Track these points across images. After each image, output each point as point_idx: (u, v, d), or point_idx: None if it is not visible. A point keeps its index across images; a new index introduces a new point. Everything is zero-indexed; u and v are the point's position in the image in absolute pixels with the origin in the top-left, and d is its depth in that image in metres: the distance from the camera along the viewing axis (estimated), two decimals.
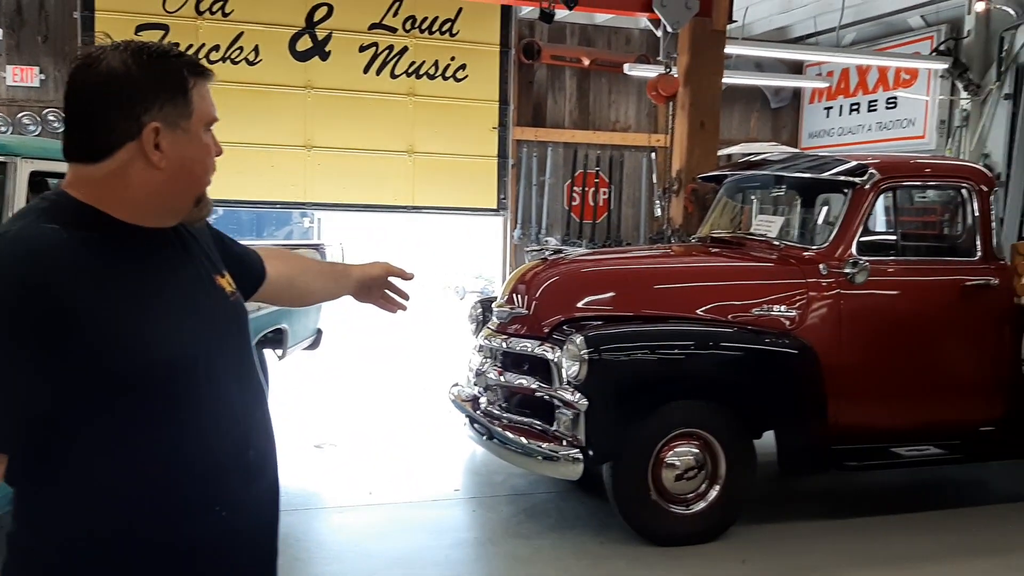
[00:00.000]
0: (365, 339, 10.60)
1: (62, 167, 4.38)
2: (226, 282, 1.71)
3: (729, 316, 4.87)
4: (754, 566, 4.40)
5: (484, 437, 5.00)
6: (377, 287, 2.21)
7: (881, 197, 5.17)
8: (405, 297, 2.24)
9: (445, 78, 10.30)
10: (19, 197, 3.87)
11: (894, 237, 5.28)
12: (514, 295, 5.16)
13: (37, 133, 9.20)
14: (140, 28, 9.21)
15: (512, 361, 5.04)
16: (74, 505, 1.48)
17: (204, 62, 1.62)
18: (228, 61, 9.52)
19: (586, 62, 11.01)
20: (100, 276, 1.45)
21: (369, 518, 4.95)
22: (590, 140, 11.16)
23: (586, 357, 4.42)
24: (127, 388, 1.46)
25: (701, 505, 4.64)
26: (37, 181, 4.09)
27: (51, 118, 9.37)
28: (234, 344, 1.67)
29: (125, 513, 1.49)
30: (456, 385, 5.67)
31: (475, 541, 4.79)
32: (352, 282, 2.18)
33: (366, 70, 10.02)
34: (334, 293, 2.23)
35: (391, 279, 2.21)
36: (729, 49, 8.13)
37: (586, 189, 11.16)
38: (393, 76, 10.11)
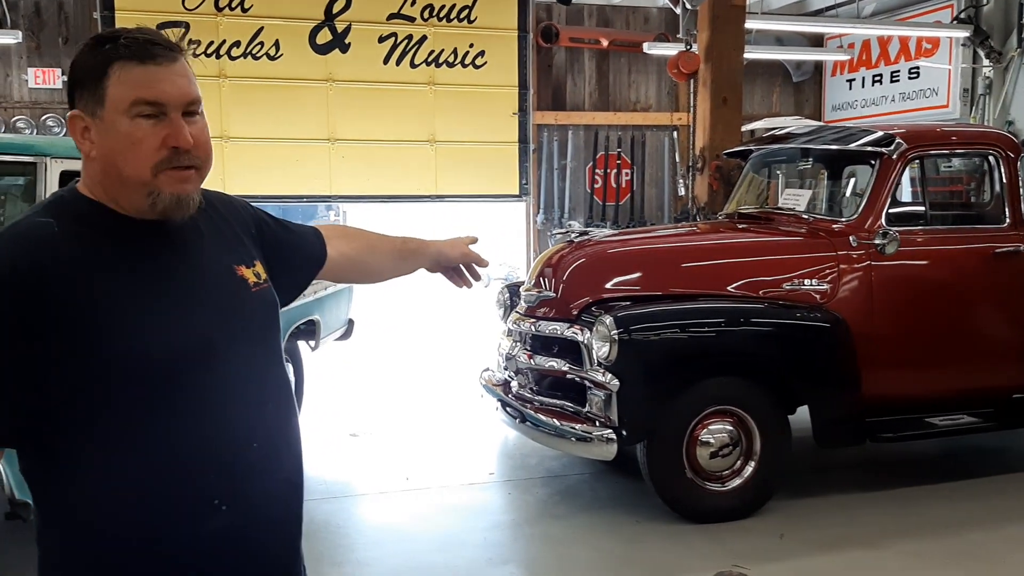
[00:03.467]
0: (395, 328, 10.66)
1: None
2: (251, 273, 1.67)
3: (760, 292, 4.86)
4: (792, 540, 4.41)
5: (517, 420, 5.03)
6: (451, 264, 2.21)
7: (908, 167, 5.13)
8: (477, 278, 2.24)
9: (464, 65, 10.30)
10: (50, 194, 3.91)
11: (922, 207, 5.24)
12: (541, 279, 5.17)
13: (63, 135, 9.30)
14: (160, 26, 9.26)
15: (541, 344, 5.06)
16: (79, 500, 1.48)
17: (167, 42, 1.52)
18: (249, 57, 9.57)
19: (605, 43, 10.96)
20: (91, 268, 1.45)
21: (407, 503, 5.00)
22: (611, 121, 11.12)
23: (616, 338, 4.42)
24: (122, 380, 1.45)
25: (737, 481, 4.64)
26: (67, 180, 4.14)
27: None
28: (248, 336, 1.62)
29: (126, 507, 1.48)
30: (487, 370, 5.70)
31: (512, 523, 4.82)
32: (427, 260, 2.17)
33: (386, 61, 10.05)
34: (404, 271, 2.19)
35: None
36: (749, 24, 8.08)
37: (608, 171, 11.13)
38: (413, 66, 10.13)
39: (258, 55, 9.60)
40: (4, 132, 9.14)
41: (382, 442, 6.20)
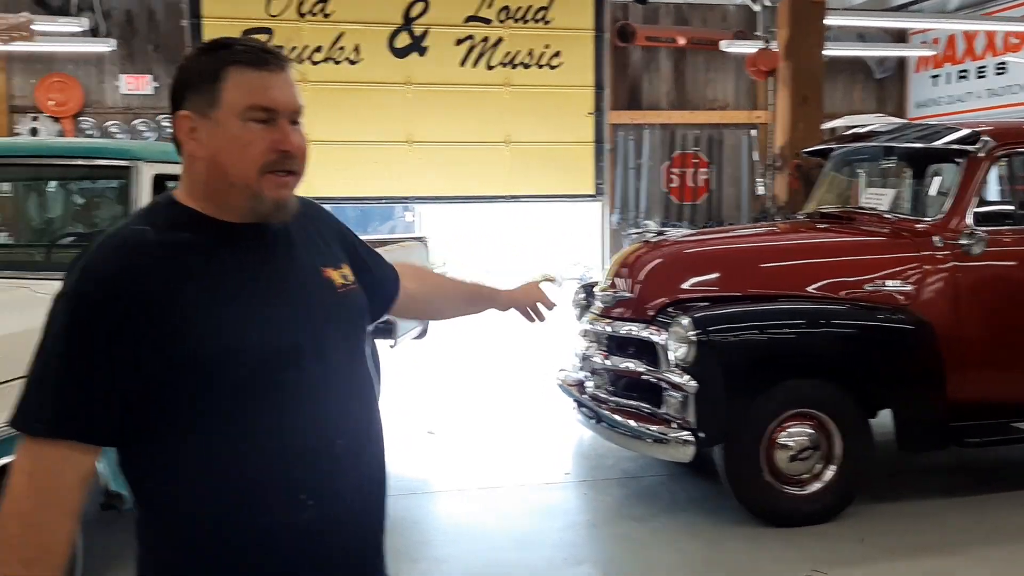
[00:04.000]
0: (471, 328, 10.73)
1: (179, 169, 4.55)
2: (338, 275, 1.70)
3: (841, 293, 4.78)
4: (873, 545, 4.33)
5: (592, 421, 5.04)
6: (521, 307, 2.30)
7: (995, 165, 4.99)
8: (542, 318, 2.34)
9: (540, 66, 10.34)
10: (143, 198, 4.04)
11: (1011, 206, 5.09)
12: (617, 279, 5.16)
13: (155, 139, 9.62)
14: (245, 33, 9.52)
15: (617, 345, 5.05)
16: (175, 494, 1.53)
17: (286, 54, 1.61)
18: (331, 61, 9.76)
19: (681, 41, 10.89)
20: (185, 272, 1.50)
21: (483, 501, 5.05)
22: (687, 120, 11.04)
23: (694, 339, 4.40)
24: (216, 379, 1.49)
25: (817, 486, 4.58)
26: (159, 183, 4.28)
27: (165, 124, 9.77)
28: (334, 336, 1.65)
29: (219, 500, 1.52)
30: (562, 370, 5.72)
31: (588, 523, 4.83)
32: (496, 304, 2.27)
33: (463, 63, 10.14)
34: (470, 312, 2.27)
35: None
36: (830, 20, 7.94)
37: (685, 170, 11.05)
38: (489, 67, 10.21)
39: (339, 60, 9.79)
40: (98, 137, 9.49)
41: (458, 440, 6.27)
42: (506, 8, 10.16)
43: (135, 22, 9.76)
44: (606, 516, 4.87)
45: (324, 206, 1.88)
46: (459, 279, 2.24)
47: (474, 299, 2.25)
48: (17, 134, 9.37)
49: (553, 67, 10.35)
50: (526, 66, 10.31)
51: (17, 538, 1.41)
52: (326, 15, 9.77)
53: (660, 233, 5.77)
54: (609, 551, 4.49)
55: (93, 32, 9.35)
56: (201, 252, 1.53)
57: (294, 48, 9.65)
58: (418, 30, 9.99)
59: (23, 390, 1.47)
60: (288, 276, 1.62)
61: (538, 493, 5.22)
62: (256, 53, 1.55)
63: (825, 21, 7.69)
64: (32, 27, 6.90)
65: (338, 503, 1.61)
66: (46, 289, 3.54)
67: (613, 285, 5.19)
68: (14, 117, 9.55)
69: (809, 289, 4.79)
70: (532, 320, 2.30)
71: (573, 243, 14.65)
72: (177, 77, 1.59)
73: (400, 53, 9.97)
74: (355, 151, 9.74)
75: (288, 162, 1.56)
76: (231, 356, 1.49)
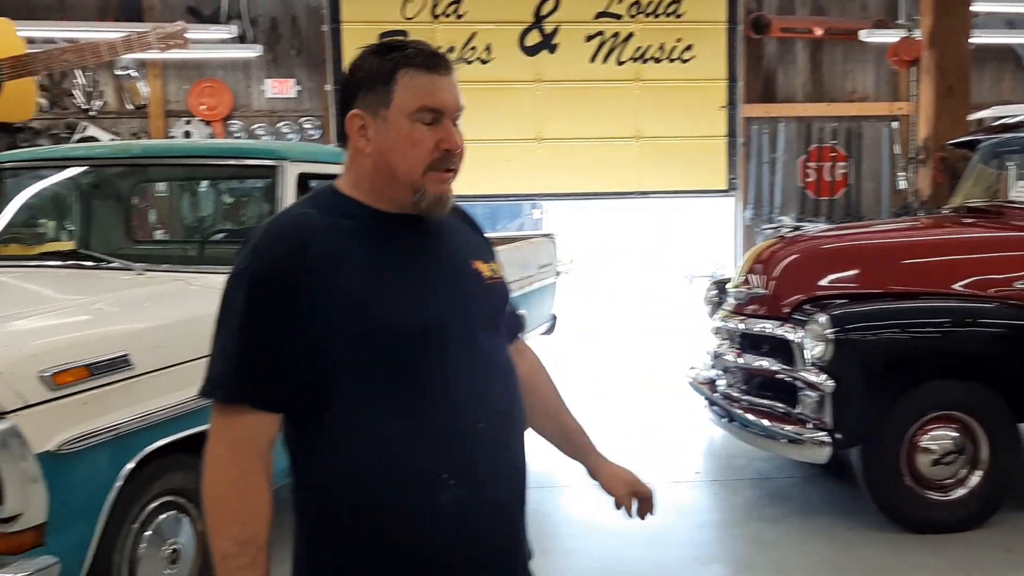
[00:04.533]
0: (598, 324, 10.75)
1: (324, 168, 4.76)
2: (487, 268, 1.78)
3: (989, 291, 4.57)
4: (1021, 556, 4.13)
5: (724, 419, 4.99)
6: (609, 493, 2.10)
7: None
8: (643, 515, 2.10)
9: (671, 60, 10.23)
10: (288, 196, 4.21)
11: None
12: (751, 275, 5.09)
13: (298, 140, 10.02)
14: (382, 36, 9.76)
15: (751, 342, 4.98)
16: (329, 468, 1.62)
17: (446, 56, 1.69)
18: (463, 62, 9.93)
19: (818, 32, 10.58)
20: (344, 253, 1.59)
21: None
22: (824, 113, 10.72)
23: (831, 337, 4.30)
24: (367, 356, 1.58)
25: (961, 492, 4.40)
26: (302, 182, 4.47)
27: (307, 126, 10.17)
28: (479, 322, 1.71)
29: (367, 475, 1.59)
30: (693, 368, 5.67)
31: (718, 523, 4.79)
32: (585, 462, 2.14)
33: (592, 59, 10.15)
34: (558, 448, 2.12)
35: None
36: (976, 6, 7.58)
37: (821, 164, 10.73)
38: (619, 63, 10.17)
39: (471, 60, 9.96)
40: (245, 139, 9.96)
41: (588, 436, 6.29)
42: (637, 3, 10.10)
43: (279, 28, 10.19)
44: (737, 516, 4.81)
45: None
46: (568, 409, 2.11)
47: (570, 441, 2.11)
48: (172, 137, 9.92)
49: (684, 61, 10.23)
50: (657, 60, 10.23)
51: (233, 503, 1.54)
52: (459, 16, 9.95)
53: (795, 228, 5.63)
54: (739, 551, 4.44)
55: (241, 39, 9.80)
56: (359, 237, 1.63)
57: None
58: (548, 28, 10.06)
59: (208, 363, 1.61)
60: (437, 262, 1.71)
61: (668, 491, 5.19)
62: (427, 56, 1.66)
63: (972, 7, 7.35)
64: (186, 35, 7.29)
65: (482, 486, 1.65)
66: (199, 282, 3.82)
67: (746, 281, 5.12)
68: (169, 121, 10.12)
69: (955, 287, 4.60)
70: (629, 516, 2.08)
71: (704, 240, 14.45)
72: (349, 77, 1.69)
73: (531, 51, 10.06)
74: (485, 150, 9.85)
75: (450, 160, 1.67)
76: (379, 333, 1.57)
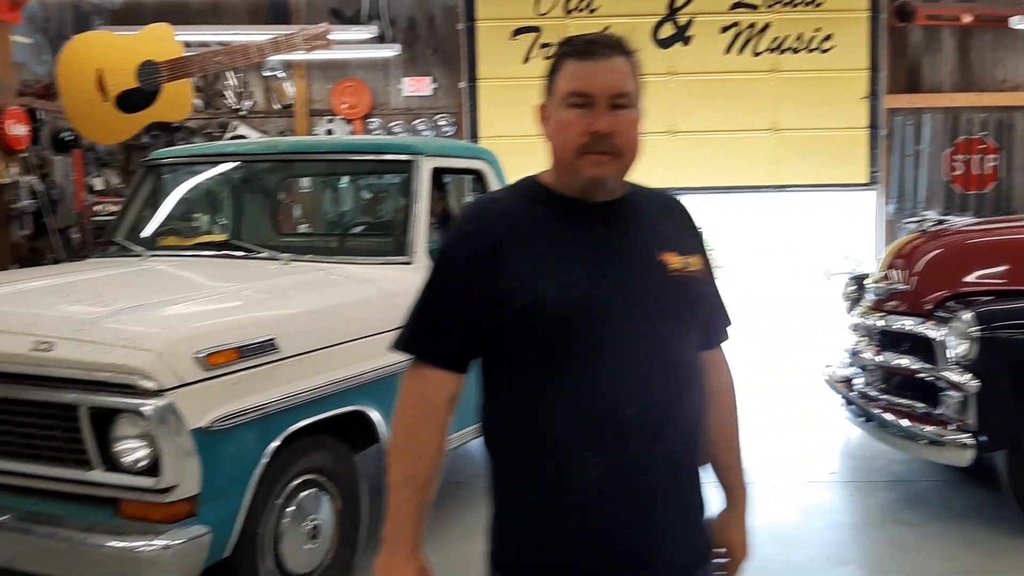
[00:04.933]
0: (734, 321, 10.56)
1: (457, 163, 4.91)
2: (679, 260, 1.76)
3: None
4: None
5: (861, 419, 4.85)
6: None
7: None
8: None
9: (810, 51, 9.96)
10: (423, 190, 4.34)
11: None
12: (891, 270, 4.93)
13: (432, 136, 10.27)
14: (516, 32, 9.94)
15: (890, 340, 4.83)
16: (500, 437, 1.77)
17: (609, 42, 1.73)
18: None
19: (967, 19, 10.07)
20: (523, 233, 1.72)
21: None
22: (973, 103, 10.20)
23: (976, 335, 4.13)
24: (528, 329, 1.68)
25: None
26: (437, 176, 4.60)
27: (441, 122, 10.40)
28: (652, 311, 1.71)
29: (523, 446, 1.72)
30: (829, 365, 5.54)
31: (853, 524, 4.68)
32: (720, 515, 2.03)
33: (727, 51, 9.98)
34: (717, 473, 2.04)
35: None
36: None
37: (970, 157, 10.23)
38: (755, 54, 9.97)
39: None
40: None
41: None
42: None
43: (417, 28, 10.44)
44: (873, 518, 4.69)
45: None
46: (737, 447, 2.05)
47: (727, 466, 2.04)
48: (315, 135, 10.33)
49: (824, 51, 9.94)
50: (795, 51, 9.97)
51: (405, 443, 1.74)
52: (592, 10, 9.95)
53: (940, 223, 5.41)
54: (875, 554, 4.32)
55: (380, 39, 10.11)
56: (537, 219, 1.74)
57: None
58: (682, 20, 9.95)
59: (404, 322, 1.81)
60: (613, 249, 1.74)
61: (802, 491, 5.10)
62: (584, 44, 1.72)
63: None
64: (329, 36, 7.58)
65: (626, 472, 1.68)
66: (340, 272, 3.99)
67: (886, 277, 4.97)
68: (312, 120, 10.54)
69: None
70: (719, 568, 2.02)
71: (843, 235, 14.00)
72: (545, 73, 1.83)
73: (664, 44, 9.98)
74: None
75: (601, 143, 1.69)
76: (532, 308, 1.66)
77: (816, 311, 10.26)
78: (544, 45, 9.92)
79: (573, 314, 1.67)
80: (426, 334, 1.76)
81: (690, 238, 1.86)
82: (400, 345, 1.79)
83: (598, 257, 1.72)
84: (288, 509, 3.34)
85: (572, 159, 1.70)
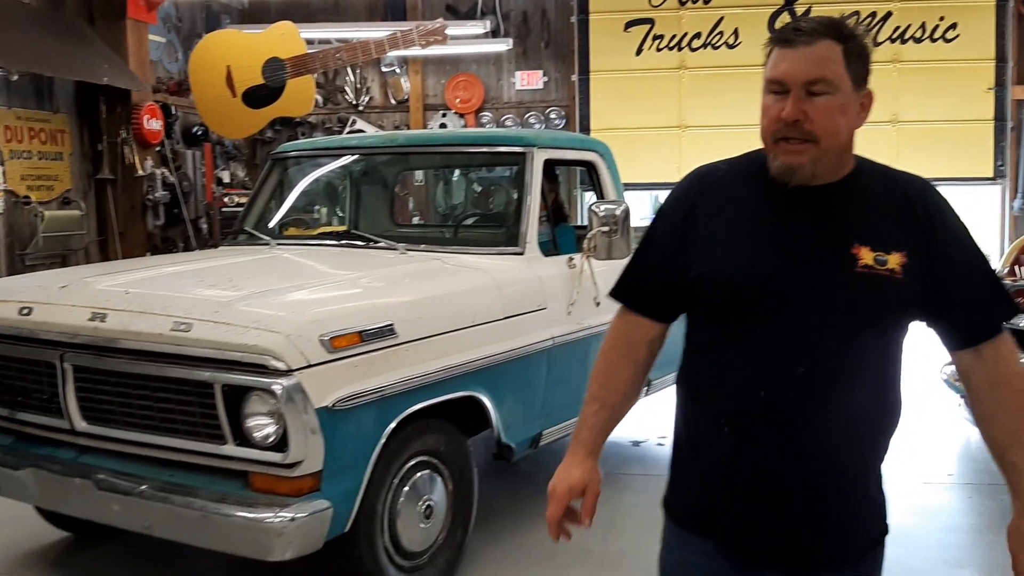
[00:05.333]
0: None
1: (568, 155, 4.94)
2: (871, 256, 1.69)
3: None
4: None
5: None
6: None
7: None
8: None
9: (933, 40, 9.63)
10: (536, 182, 4.41)
11: None
12: (1017, 266, 4.78)
13: (543, 128, 10.35)
14: (629, 24, 9.93)
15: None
16: (681, 388, 1.93)
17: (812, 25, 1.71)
18: (709, 47, 9.86)
19: None
20: (720, 204, 1.81)
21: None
22: None
23: None
24: (695, 296, 1.79)
25: None
26: (549, 168, 4.65)
27: (552, 116, 10.47)
28: (818, 304, 1.68)
29: (680, 406, 1.91)
30: (948, 364, 5.39)
31: (971, 528, 4.55)
32: (1014, 503, 1.82)
33: None
34: (1003, 473, 1.84)
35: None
36: None
37: None
38: (875, 44, 9.64)
39: (717, 45, 9.84)
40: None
41: None
42: None
43: (530, 22, 10.54)
44: (992, 522, 4.54)
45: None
46: (1020, 444, 1.80)
47: (1009, 476, 1.82)
48: (429, 129, 10.55)
49: (948, 40, 9.59)
50: (917, 40, 9.65)
51: (601, 368, 1.94)
52: (706, 1, 9.86)
53: None
54: (994, 558, 4.19)
55: (493, 33, 10.25)
56: (740, 194, 1.80)
57: (674, 36, 9.87)
58: (800, 9, 9.74)
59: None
60: (799, 235, 1.73)
61: (918, 492, 4.98)
62: (787, 32, 1.73)
63: None
64: (446, 32, 7.73)
65: (755, 452, 1.74)
66: (454, 261, 4.11)
67: (1012, 273, 4.82)
68: (427, 114, 10.77)
69: None
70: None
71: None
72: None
73: None
74: (733, 135, 9.71)
75: (791, 130, 1.69)
76: (701, 280, 1.77)
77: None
78: (657, 37, 9.88)
79: (726, 294, 1.74)
80: (630, 283, 1.94)
81: (905, 233, 1.73)
82: (611, 292, 1.97)
83: (778, 242, 1.73)
84: (403, 489, 3.46)
85: (770, 145, 1.74)
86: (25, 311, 3.45)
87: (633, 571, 3.89)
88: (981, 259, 1.79)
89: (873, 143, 11.00)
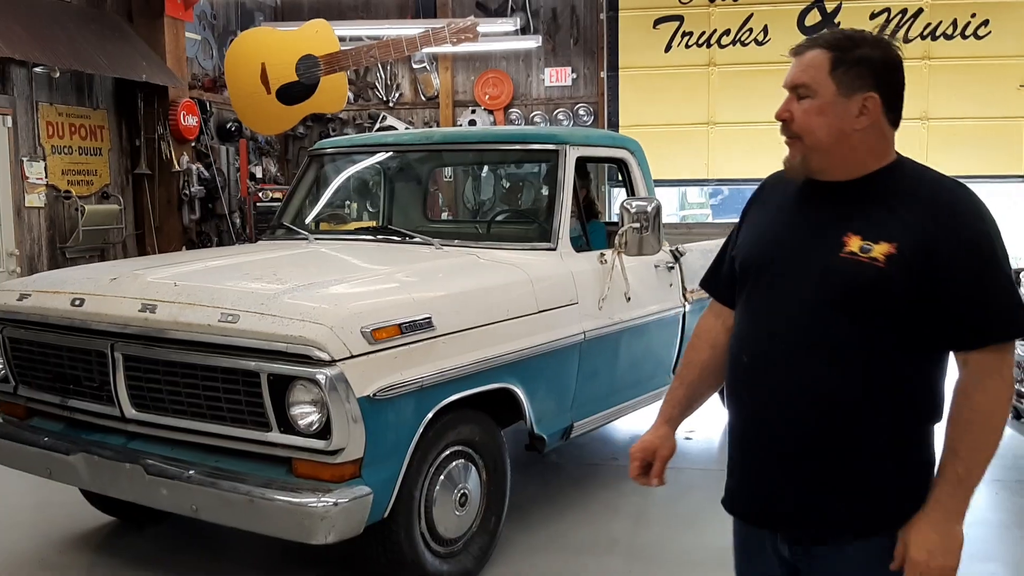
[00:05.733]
0: None
1: (600, 152, 4.99)
2: (857, 244, 1.78)
3: None
4: None
5: (1011, 417, 4.74)
6: None
7: None
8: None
9: (964, 37, 9.59)
10: (568, 178, 4.47)
11: None
12: None
13: (571, 126, 10.40)
14: (657, 21, 9.96)
15: None
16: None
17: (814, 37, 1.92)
18: (738, 44, 9.87)
19: None
20: (768, 198, 2.05)
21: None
22: None
23: None
24: (737, 276, 2.02)
25: None
26: (580, 165, 4.71)
27: (580, 112, 10.52)
28: (800, 282, 1.85)
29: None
30: None
31: (999, 523, 4.58)
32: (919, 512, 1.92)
33: None
34: None
35: None
36: None
37: None
38: (906, 41, 9.67)
39: (746, 41, 9.85)
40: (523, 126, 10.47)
41: None
42: None
43: (559, 18, 10.60)
44: (1019, 518, 4.58)
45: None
46: (958, 450, 1.94)
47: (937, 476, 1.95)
48: (458, 125, 10.63)
49: (979, 37, 9.55)
50: (948, 37, 9.61)
51: (687, 350, 2.20)
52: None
53: None
54: (1020, 553, 4.24)
55: (523, 30, 10.31)
56: (784, 191, 1.99)
57: (703, 33, 9.89)
58: (830, 6, 9.73)
59: None
60: (805, 223, 1.91)
61: None
62: (799, 44, 1.93)
63: None
64: (477, 29, 7.80)
65: (748, 412, 1.96)
66: (488, 256, 4.19)
67: None
68: (456, 110, 10.85)
69: None
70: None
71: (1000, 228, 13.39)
72: None
73: (809, 31, 9.76)
74: (757, 132, 9.71)
75: (782, 128, 1.92)
76: (734, 261, 2.04)
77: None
78: (686, 34, 9.91)
79: (743, 271, 1.99)
80: (709, 273, 2.20)
81: (904, 227, 1.77)
82: (700, 281, 2.26)
83: (787, 228, 1.94)
84: (439, 477, 3.56)
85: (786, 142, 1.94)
86: (77, 302, 3.57)
87: (661, 562, 3.96)
88: (988, 269, 1.76)
89: (904, 140, 10.89)
